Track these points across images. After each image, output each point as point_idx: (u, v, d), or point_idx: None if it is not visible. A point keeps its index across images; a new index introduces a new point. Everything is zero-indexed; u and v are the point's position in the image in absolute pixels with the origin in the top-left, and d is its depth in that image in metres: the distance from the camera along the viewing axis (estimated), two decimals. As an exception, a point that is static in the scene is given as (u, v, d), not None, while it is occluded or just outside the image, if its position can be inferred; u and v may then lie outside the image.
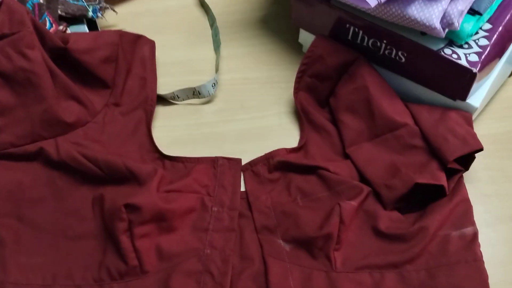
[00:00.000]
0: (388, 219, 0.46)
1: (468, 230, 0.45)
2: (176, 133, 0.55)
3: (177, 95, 0.56)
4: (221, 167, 0.51)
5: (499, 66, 0.52)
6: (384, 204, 0.47)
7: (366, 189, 0.47)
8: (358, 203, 0.46)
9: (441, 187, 0.46)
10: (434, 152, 0.47)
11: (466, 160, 0.48)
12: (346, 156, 0.51)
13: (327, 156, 0.52)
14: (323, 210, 0.46)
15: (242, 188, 0.50)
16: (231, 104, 0.58)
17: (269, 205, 0.48)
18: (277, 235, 0.47)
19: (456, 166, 0.47)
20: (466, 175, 0.50)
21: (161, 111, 0.57)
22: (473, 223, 0.46)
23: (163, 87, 0.57)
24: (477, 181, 0.52)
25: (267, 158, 0.51)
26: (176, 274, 0.43)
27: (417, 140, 0.49)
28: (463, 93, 0.49)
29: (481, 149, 0.47)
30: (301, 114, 0.55)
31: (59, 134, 0.51)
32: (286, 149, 0.52)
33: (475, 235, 0.45)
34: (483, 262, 0.44)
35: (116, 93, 0.55)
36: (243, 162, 0.52)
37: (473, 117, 0.52)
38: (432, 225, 0.45)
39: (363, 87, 0.51)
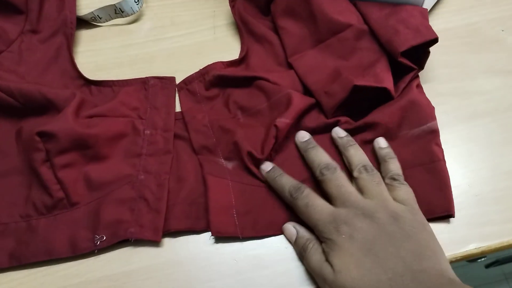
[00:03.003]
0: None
1: (425, 127, 0.41)
2: (100, 57, 0.50)
3: (98, 16, 0.50)
4: (153, 88, 0.47)
5: None
6: (325, 113, 0.43)
7: (301, 100, 0.43)
8: (291, 119, 0.42)
9: (388, 93, 0.42)
10: (383, 47, 0.43)
11: (421, 58, 0.44)
12: (291, 67, 0.47)
13: (270, 68, 0.48)
14: (263, 126, 0.43)
15: (178, 109, 0.46)
16: (160, 22, 0.52)
17: (206, 123, 0.44)
18: (218, 154, 0.43)
19: (406, 61, 0.43)
20: (422, 75, 0.46)
21: (83, 35, 0.51)
22: (430, 120, 0.42)
23: (85, 10, 0.52)
24: (433, 80, 0.48)
25: (202, 74, 0.47)
26: (107, 203, 0.40)
27: (363, 41, 0.44)
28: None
29: (435, 40, 0.42)
30: (239, 25, 0.50)
31: (-31, 66, 0.46)
32: (223, 62, 0.47)
33: (433, 133, 0.41)
34: (442, 161, 0.40)
35: (31, 18, 0.49)
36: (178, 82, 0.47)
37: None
38: (379, 119, 0.41)
39: (299, -16, 0.46)
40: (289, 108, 0.42)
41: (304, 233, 0.38)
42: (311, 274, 0.37)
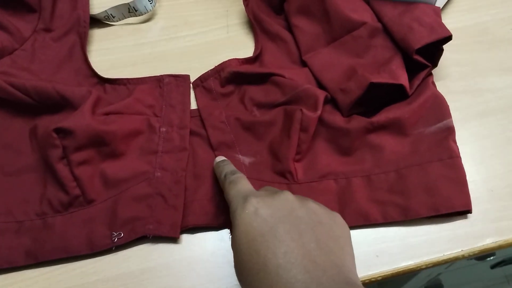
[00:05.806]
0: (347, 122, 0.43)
1: (441, 124, 0.42)
2: (114, 55, 0.50)
3: (111, 14, 0.50)
4: (168, 86, 0.46)
5: None
6: (341, 110, 0.43)
7: (321, 93, 0.43)
8: (319, 113, 0.42)
9: (403, 90, 0.42)
10: (398, 44, 0.43)
11: (434, 56, 0.44)
12: (305, 65, 0.47)
13: (284, 66, 0.48)
14: (281, 119, 0.43)
15: (194, 106, 0.46)
16: (173, 21, 0.53)
17: (223, 119, 0.44)
18: (236, 150, 0.43)
19: (421, 59, 0.43)
20: (434, 73, 0.46)
21: (96, 34, 0.51)
22: (446, 117, 0.42)
23: (98, 9, 0.52)
24: (445, 78, 0.48)
25: (218, 71, 0.47)
26: (124, 200, 0.40)
27: (377, 39, 0.44)
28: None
29: (449, 38, 0.42)
30: (253, 23, 0.50)
31: (-18, 64, 0.45)
32: (238, 59, 0.47)
33: (449, 130, 0.42)
34: (459, 158, 0.41)
35: (44, 17, 0.49)
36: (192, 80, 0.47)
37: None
38: (399, 115, 0.42)
39: (313, -18, 0.46)
40: (317, 101, 0.41)
41: None
42: None
